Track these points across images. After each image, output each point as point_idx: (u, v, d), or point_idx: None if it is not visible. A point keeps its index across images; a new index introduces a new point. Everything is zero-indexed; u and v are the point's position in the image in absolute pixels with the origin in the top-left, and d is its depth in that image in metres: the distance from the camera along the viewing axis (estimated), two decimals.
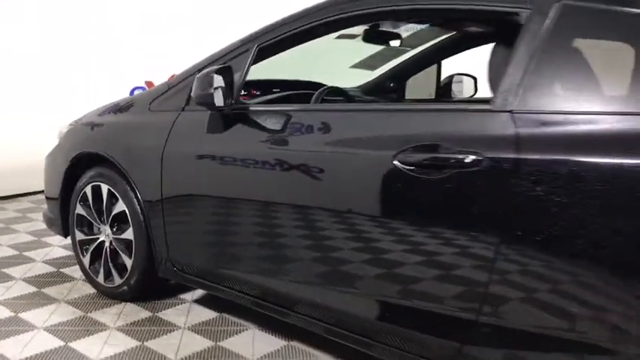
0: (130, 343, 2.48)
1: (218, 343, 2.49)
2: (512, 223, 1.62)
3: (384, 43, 3.18)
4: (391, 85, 3.47)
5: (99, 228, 2.92)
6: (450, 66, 3.50)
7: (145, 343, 2.48)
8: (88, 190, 2.91)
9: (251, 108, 2.34)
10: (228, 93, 2.22)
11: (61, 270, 3.38)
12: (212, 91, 2.19)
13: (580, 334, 1.57)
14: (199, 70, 2.42)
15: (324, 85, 2.89)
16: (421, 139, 1.78)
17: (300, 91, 2.93)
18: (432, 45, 3.23)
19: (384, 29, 3.03)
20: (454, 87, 3.54)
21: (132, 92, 5.49)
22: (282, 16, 2.32)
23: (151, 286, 2.87)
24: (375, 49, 3.42)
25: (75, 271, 3.28)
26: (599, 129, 1.53)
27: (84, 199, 2.94)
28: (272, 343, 2.50)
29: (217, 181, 2.39)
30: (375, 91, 3.42)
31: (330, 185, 2.03)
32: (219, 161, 2.34)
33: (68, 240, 3.19)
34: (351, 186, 1.97)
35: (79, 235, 3.02)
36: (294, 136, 2.15)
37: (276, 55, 2.49)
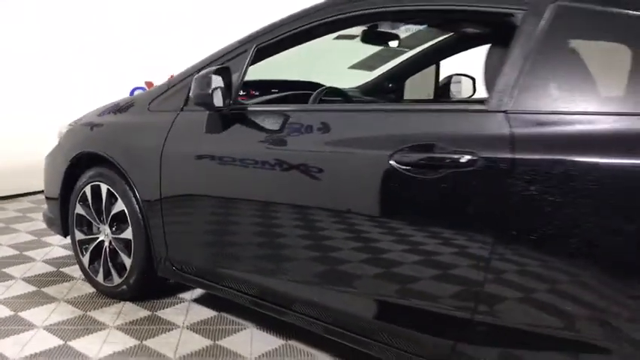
0: (128, 341, 2.50)
1: (216, 341, 2.51)
2: (506, 223, 1.63)
3: (382, 44, 3.19)
4: (390, 85, 3.48)
5: (98, 228, 2.94)
6: (449, 66, 3.51)
7: (144, 342, 2.49)
8: (88, 189, 2.92)
9: (249, 108, 2.35)
10: (226, 93, 2.23)
11: (60, 269, 3.39)
12: (210, 91, 2.20)
13: (574, 333, 1.58)
14: (198, 71, 2.44)
15: (323, 86, 2.90)
16: (417, 139, 1.80)
17: (299, 91, 2.94)
18: (430, 46, 3.24)
19: (383, 30, 3.04)
20: (453, 87, 3.55)
21: (132, 92, 5.50)
22: (282, 16, 2.34)
23: (150, 286, 2.89)
24: (373, 49, 3.43)
25: (75, 271, 3.29)
26: (594, 129, 1.55)
27: (83, 199, 2.96)
28: (270, 342, 2.51)
29: (216, 181, 2.40)
30: (374, 91, 3.44)
31: (327, 185, 2.05)
32: (217, 161, 2.36)
33: (68, 240, 3.20)
34: (348, 186, 1.98)
35: (79, 235, 3.03)
36: (292, 136, 2.16)
37: (275, 56, 2.51)
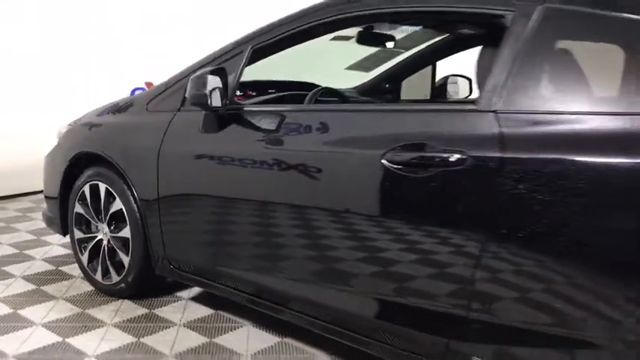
0: (126, 339, 2.52)
1: (213, 339, 2.53)
2: (495, 221, 1.66)
3: (377, 45, 3.22)
4: (386, 86, 3.51)
5: (97, 226, 2.97)
6: (449, 67, 3.53)
7: (141, 339, 2.52)
8: (87, 189, 2.95)
9: (245, 108, 2.38)
10: (222, 93, 2.26)
11: (60, 268, 3.42)
12: (206, 91, 2.23)
13: (564, 330, 1.60)
14: (194, 71, 2.46)
15: (319, 86, 2.93)
16: (408, 138, 1.83)
17: (295, 91, 2.96)
18: (426, 47, 3.27)
19: (378, 31, 3.07)
20: (450, 88, 3.57)
21: (132, 93, 5.52)
22: (279, 17, 2.36)
23: (147, 284, 2.92)
24: (369, 50, 3.46)
25: (74, 269, 3.32)
26: (582, 129, 1.57)
27: (82, 198, 2.99)
28: (266, 339, 2.54)
29: (212, 181, 2.43)
30: (371, 92, 3.46)
31: (322, 184, 2.07)
32: (213, 161, 2.38)
33: (68, 239, 3.23)
34: (341, 185, 2.01)
35: (78, 234, 3.06)
36: (287, 136, 2.19)
37: (273, 57, 2.53)
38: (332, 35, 2.61)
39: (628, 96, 1.58)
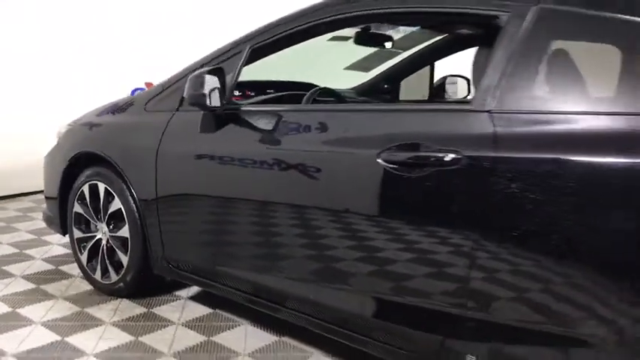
0: (124, 337, 2.54)
1: (211, 338, 2.55)
2: (490, 220, 1.67)
3: (375, 46, 3.23)
4: (385, 86, 3.52)
5: (96, 226, 2.98)
6: (448, 68, 3.54)
7: (140, 338, 2.53)
8: (86, 188, 2.96)
9: (243, 108, 2.39)
10: (220, 93, 2.27)
11: (59, 267, 3.43)
12: (204, 91, 2.24)
13: (559, 328, 1.61)
14: (193, 72, 2.47)
15: (317, 86, 2.94)
16: (404, 137, 1.84)
17: (294, 92, 2.97)
18: (424, 47, 3.27)
19: (375, 32, 3.08)
20: (448, 88, 3.58)
21: (132, 93, 5.53)
22: (278, 17, 2.37)
23: (146, 283, 2.93)
24: (368, 50, 3.47)
25: (73, 269, 3.33)
26: (575, 128, 1.59)
27: (81, 198, 3.00)
28: (264, 338, 2.55)
29: (210, 180, 2.44)
30: (370, 92, 3.47)
31: (318, 183, 2.09)
32: (211, 161, 2.40)
33: (67, 239, 3.24)
34: (338, 184, 2.02)
35: (77, 233, 3.07)
36: (285, 135, 2.20)
37: (272, 57, 2.54)
38: (330, 35, 2.62)
39: (621, 96, 1.59)
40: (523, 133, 1.64)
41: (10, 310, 2.81)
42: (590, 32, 1.68)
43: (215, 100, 2.26)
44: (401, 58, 3.47)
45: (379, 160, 1.83)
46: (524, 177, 1.57)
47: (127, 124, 2.89)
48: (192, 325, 2.68)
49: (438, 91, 3.57)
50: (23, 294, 3.01)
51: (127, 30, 5.75)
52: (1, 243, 3.92)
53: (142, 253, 2.76)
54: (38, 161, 3.55)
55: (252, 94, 3.09)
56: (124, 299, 2.95)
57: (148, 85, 5.47)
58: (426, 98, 3.60)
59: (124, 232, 2.80)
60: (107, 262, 2.93)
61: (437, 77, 3.66)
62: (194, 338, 2.54)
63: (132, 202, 2.73)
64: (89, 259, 3.03)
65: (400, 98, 3.54)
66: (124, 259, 2.83)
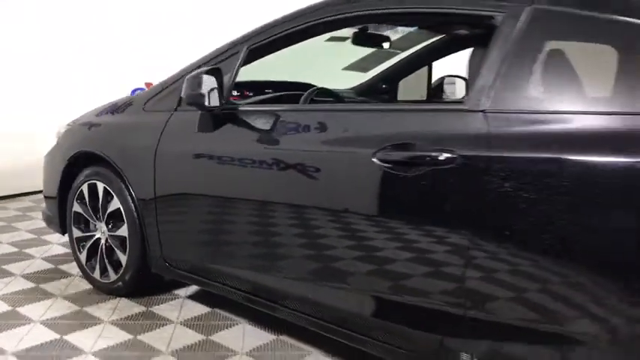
0: (123, 336, 2.55)
1: (209, 336, 2.56)
2: (485, 219, 1.68)
3: (373, 46, 3.24)
4: (383, 86, 3.53)
5: (95, 225, 3.00)
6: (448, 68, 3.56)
7: (138, 337, 2.55)
8: (85, 188, 2.98)
9: (240, 108, 2.40)
10: (218, 93, 2.29)
11: (59, 267, 3.45)
12: (202, 91, 2.25)
13: (555, 326, 1.62)
14: (191, 72, 2.48)
15: (315, 87, 2.95)
16: (399, 137, 1.85)
17: (291, 92, 2.99)
18: (422, 48, 3.29)
19: (373, 32, 3.09)
20: (447, 88, 3.60)
21: (132, 93, 5.54)
22: (277, 17, 2.38)
23: (145, 282, 2.94)
24: (366, 51, 3.48)
25: (72, 268, 3.35)
26: (569, 128, 1.60)
27: (81, 197, 3.01)
28: (262, 337, 2.57)
29: (208, 180, 2.46)
30: (368, 92, 3.48)
31: (315, 183, 2.10)
32: (209, 160, 2.41)
33: (67, 238, 3.26)
34: (334, 183, 2.04)
35: (76, 233, 3.09)
36: (282, 135, 2.21)
37: (270, 57, 2.55)
38: (328, 36, 2.63)
39: (616, 96, 1.60)
40: (517, 133, 1.66)
41: (9, 308, 2.82)
42: (584, 32, 1.70)
43: (213, 100, 2.28)
44: (399, 59, 3.48)
45: (374, 160, 1.85)
46: (519, 176, 1.58)
47: (126, 124, 2.90)
48: (190, 323, 2.69)
49: (435, 91, 3.59)
50: (23, 293, 3.03)
51: (127, 30, 5.77)
52: (1, 242, 3.94)
53: (141, 252, 2.77)
54: (38, 161, 3.56)
55: (251, 94, 3.11)
56: (123, 298, 2.96)
57: (148, 85, 5.49)
58: (424, 98, 3.62)
59: (123, 231, 2.81)
60: (106, 261, 2.94)
61: (435, 77, 3.67)
62: (192, 337, 2.55)
63: (130, 201, 2.75)
64: (88, 259, 3.05)
65: (398, 98, 3.55)
66: (123, 259, 2.85)
